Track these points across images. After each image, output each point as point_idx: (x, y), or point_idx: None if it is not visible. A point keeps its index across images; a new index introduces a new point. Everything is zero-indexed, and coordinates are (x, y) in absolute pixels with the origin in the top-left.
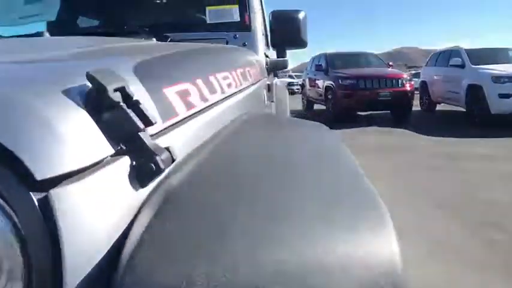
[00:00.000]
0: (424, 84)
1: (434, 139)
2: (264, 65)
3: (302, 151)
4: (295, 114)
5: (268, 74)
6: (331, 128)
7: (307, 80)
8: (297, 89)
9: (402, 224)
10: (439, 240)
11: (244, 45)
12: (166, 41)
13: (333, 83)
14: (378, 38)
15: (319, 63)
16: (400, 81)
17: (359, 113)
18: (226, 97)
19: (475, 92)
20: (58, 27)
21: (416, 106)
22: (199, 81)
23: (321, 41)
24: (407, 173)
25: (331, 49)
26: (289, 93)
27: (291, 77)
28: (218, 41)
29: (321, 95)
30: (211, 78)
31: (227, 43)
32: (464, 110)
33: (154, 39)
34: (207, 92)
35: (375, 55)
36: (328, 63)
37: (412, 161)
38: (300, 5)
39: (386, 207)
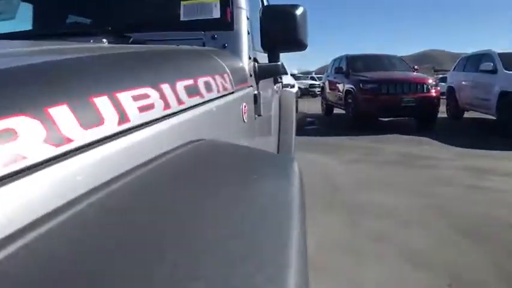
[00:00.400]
0: (451, 90)
1: (460, 150)
2: (249, 71)
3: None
4: (314, 118)
5: (257, 82)
6: (349, 135)
7: (327, 83)
8: (318, 91)
9: (422, 251)
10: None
11: (224, 47)
12: (127, 42)
13: (353, 87)
14: (404, 39)
15: (340, 65)
16: (425, 86)
17: (380, 119)
18: (145, 123)
19: (507, 100)
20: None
21: (442, 113)
22: (81, 104)
23: (345, 42)
24: (428, 188)
25: (355, 51)
26: (310, 96)
27: (313, 78)
28: (192, 42)
29: (340, 99)
30: (110, 98)
31: (204, 45)
32: (495, 119)
33: (105, 40)
34: (94, 119)
35: (399, 58)
36: (348, 66)
37: (434, 175)
38: (324, 5)
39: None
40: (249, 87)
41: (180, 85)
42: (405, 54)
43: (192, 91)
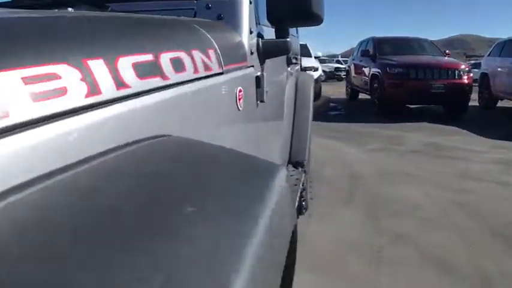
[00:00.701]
0: (484, 77)
1: (492, 142)
2: (249, 48)
3: None
4: (338, 103)
5: (262, 61)
6: (373, 122)
7: (352, 67)
8: (344, 75)
9: (448, 255)
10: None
11: (219, 18)
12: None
13: (379, 71)
14: (436, 23)
15: (366, 48)
16: (456, 72)
17: (407, 106)
18: (45, 118)
19: None
20: None
21: (474, 100)
22: None
23: (374, 25)
24: (456, 182)
25: (384, 34)
26: (336, 80)
27: (339, 62)
28: (182, 13)
29: (366, 84)
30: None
31: (195, 15)
32: None
33: (70, 9)
34: None
35: (429, 41)
36: (375, 49)
37: (463, 168)
38: None
39: None
40: (248, 67)
41: (125, 63)
42: (436, 38)
43: (144, 71)
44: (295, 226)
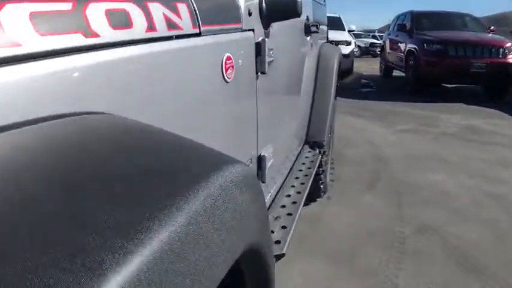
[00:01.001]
0: None
1: None
2: (246, 7)
3: None
4: (370, 80)
5: (266, 25)
6: (406, 101)
7: (387, 42)
8: (379, 51)
9: (477, 251)
10: None
11: None
12: None
13: (416, 47)
14: None
15: (403, 22)
16: (501, 50)
17: (444, 85)
18: None
19: None
20: None
21: None
22: None
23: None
24: (491, 171)
25: (425, 9)
26: (371, 56)
27: (375, 37)
28: None
29: (401, 60)
30: None
31: None
32: None
33: None
34: None
35: (472, 17)
36: (413, 23)
37: (500, 156)
38: None
39: None
40: (244, 30)
41: (18, 12)
42: (481, 15)
43: (54, 25)
44: (260, 247)
